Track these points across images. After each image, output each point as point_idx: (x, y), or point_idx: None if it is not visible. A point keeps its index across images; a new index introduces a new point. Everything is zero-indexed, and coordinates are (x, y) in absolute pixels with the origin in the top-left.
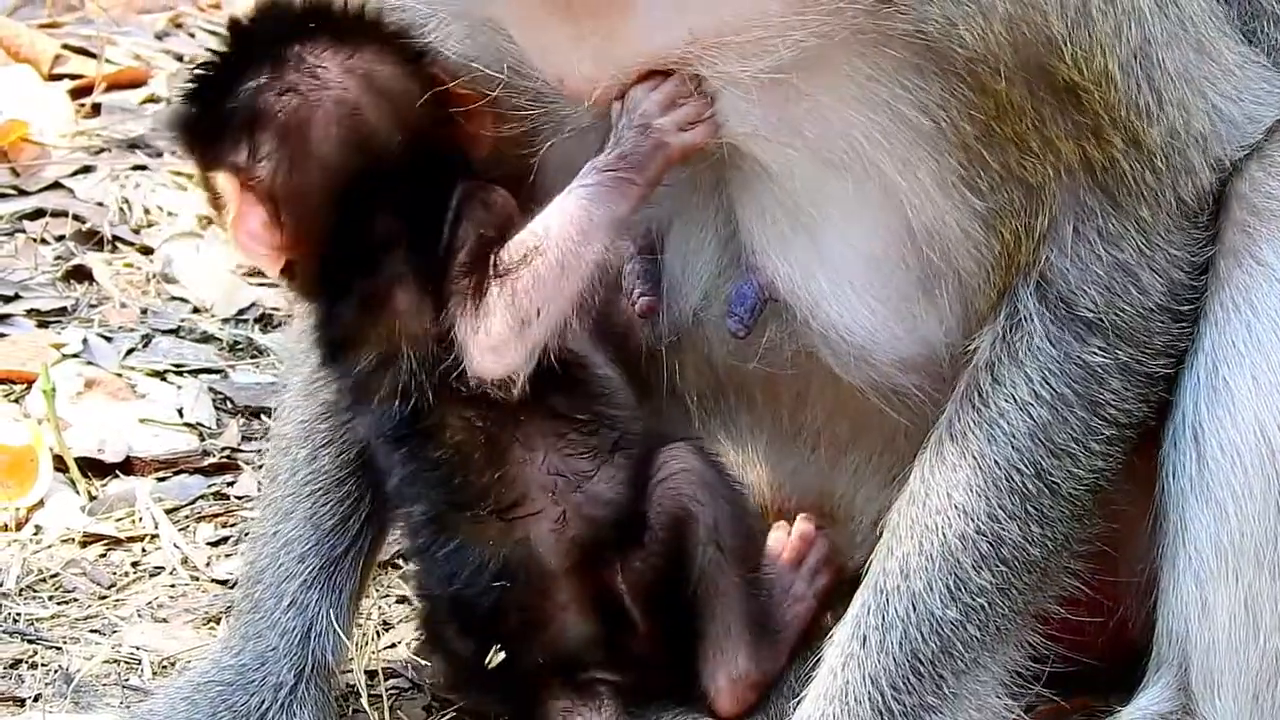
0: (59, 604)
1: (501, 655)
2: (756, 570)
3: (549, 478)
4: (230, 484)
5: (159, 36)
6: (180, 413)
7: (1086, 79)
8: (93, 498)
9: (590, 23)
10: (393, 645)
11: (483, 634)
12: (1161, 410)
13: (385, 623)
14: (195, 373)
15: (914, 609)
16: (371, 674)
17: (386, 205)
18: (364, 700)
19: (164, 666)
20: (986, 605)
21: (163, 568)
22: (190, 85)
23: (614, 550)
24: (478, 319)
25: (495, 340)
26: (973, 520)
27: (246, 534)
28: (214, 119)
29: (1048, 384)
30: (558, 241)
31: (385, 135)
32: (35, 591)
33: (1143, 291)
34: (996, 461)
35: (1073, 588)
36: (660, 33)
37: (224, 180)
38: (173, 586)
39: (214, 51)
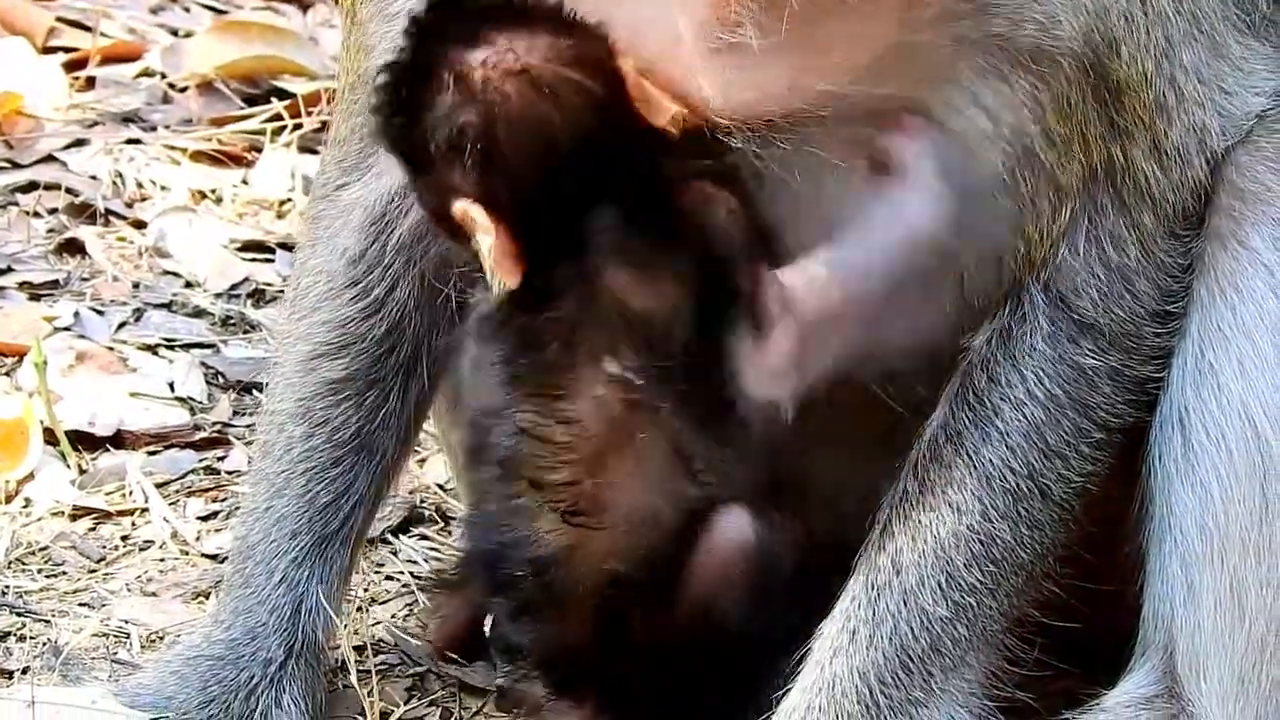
0: (48, 577)
1: (496, 629)
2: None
3: (630, 507)
4: (221, 459)
5: (154, 11)
6: (171, 387)
7: (1134, 79)
8: (83, 471)
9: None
10: (379, 622)
11: (493, 604)
12: (1149, 411)
13: (373, 599)
14: (187, 347)
15: (905, 604)
16: (360, 649)
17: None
18: (353, 676)
19: (153, 640)
20: (976, 604)
21: (152, 542)
22: (387, 110)
23: (638, 600)
24: (758, 340)
25: (777, 366)
26: (965, 518)
27: (237, 509)
28: (423, 151)
29: (1041, 384)
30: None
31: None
32: (24, 564)
33: (1136, 297)
34: (991, 460)
35: (1051, 594)
36: (810, 68)
37: (468, 209)
38: (162, 561)
39: (400, 65)
